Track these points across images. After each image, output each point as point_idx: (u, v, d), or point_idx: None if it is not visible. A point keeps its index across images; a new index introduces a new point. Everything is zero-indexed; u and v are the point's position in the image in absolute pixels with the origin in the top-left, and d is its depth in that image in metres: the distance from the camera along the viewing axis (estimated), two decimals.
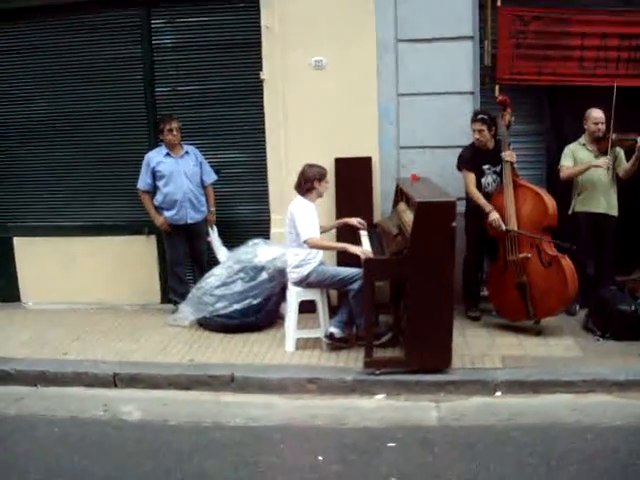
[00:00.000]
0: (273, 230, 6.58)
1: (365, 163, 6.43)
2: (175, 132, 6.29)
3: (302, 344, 5.58)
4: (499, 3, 6.12)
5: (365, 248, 5.36)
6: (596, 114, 5.90)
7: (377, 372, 4.92)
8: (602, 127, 5.89)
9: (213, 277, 6.14)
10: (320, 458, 3.96)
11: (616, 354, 5.18)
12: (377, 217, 6.43)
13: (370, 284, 4.95)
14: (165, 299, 6.87)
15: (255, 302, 6.00)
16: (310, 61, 6.38)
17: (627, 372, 4.81)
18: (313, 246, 5.42)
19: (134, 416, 4.62)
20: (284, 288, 6.00)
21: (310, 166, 5.59)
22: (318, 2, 6.28)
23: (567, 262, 5.48)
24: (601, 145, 5.91)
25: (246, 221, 6.85)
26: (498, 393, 4.79)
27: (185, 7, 6.60)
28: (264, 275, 6.06)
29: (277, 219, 6.54)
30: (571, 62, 6.14)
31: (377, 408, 4.67)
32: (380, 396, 4.83)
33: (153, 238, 6.87)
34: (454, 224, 4.74)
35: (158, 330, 6.12)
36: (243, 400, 4.87)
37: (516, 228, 5.59)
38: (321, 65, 6.39)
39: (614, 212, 6.01)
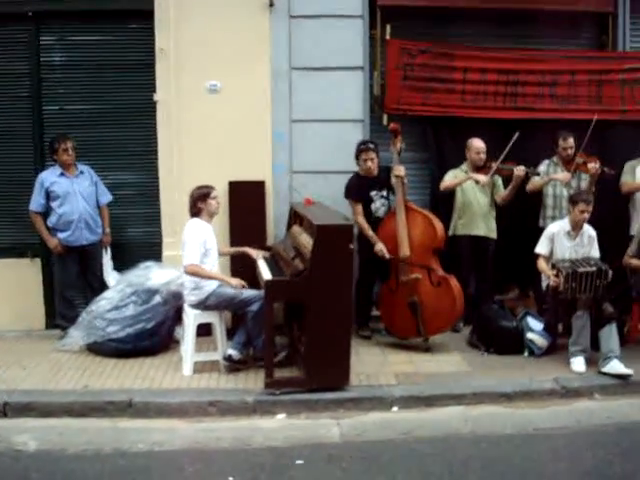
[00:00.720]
0: (165, 253, 6.50)
1: (258, 187, 6.53)
2: (70, 152, 6.13)
3: (199, 367, 5.54)
4: (388, 36, 6.45)
5: (240, 280, 5.50)
6: (478, 144, 6.33)
7: (277, 392, 4.99)
8: (483, 156, 6.32)
9: (104, 300, 5.98)
10: (231, 479, 3.97)
11: (501, 367, 5.55)
12: (270, 239, 6.54)
13: (271, 305, 5.04)
14: (51, 325, 6.58)
15: (148, 326, 5.88)
16: (205, 85, 6.42)
17: (512, 384, 5.16)
18: (191, 273, 5.43)
19: (30, 446, 4.40)
20: (178, 311, 5.96)
21: (196, 188, 5.64)
22: (214, 27, 6.34)
23: (454, 282, 5.83)
24: (481, 173, 6.32)
25: (137, 244, 6.74)
26: (395, 408, 4.98)
27: (76, 25, 6.48)
28: (157, 298, 5.97)
29: (169, 242, 6.49)
30: (454, 95, 6.56)
31: (280, 427, 4.72)
32: (281, 415, 4.89)
33: (37, 261, 6.60)
34: (352, 246, 4.93)
35: (47, 356, 5.86)
36: (142, 425, 4.75)
37: (408, 251, 5.87)
38: (216, 89, 6.45)
39: (493, 235, 6.45)
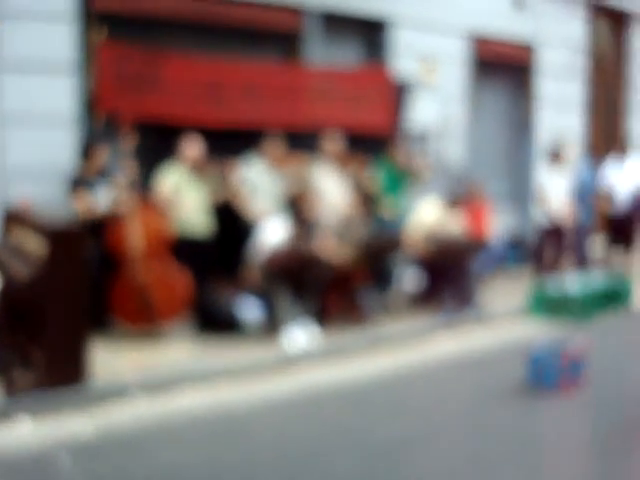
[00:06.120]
0: None
1: None
2: None
3: None
4: (101, 41, 6.63)
5: None
6: (190, 152, 6.76)
7: (19, 396, 4.94)
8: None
9: None
10: None
11: (226, 347, 6.14)
12: None
13: (7, 312, 4.99)
14: None
15: None
16: None
17: (242, 361, 5.83)
18: None
19: None
20: None
21: None
22: None
23: (183, 272, 6.34)
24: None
25: None
26: (139, 397, 5.25)
27: None
28: None
29: None
30: (163, 101, 6.95)
31: (30, 432, 4.69)
32: (27, 419, 4.84)
33: None
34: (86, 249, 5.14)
35: None
36: None
37: (140, 244, 6.16)
38: None
39: (208, 232, 6.95)
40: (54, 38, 6.44)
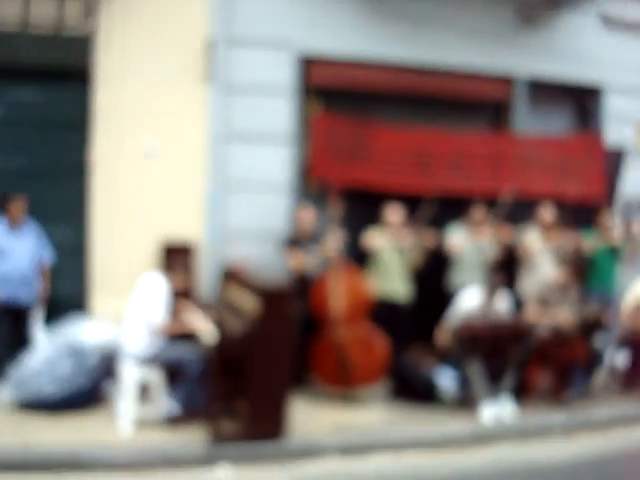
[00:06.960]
0: (97, 309, 6.61)
1: (191, 248, 6.81)
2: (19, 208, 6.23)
3: (139, 422, 5.65)
4: (316, 113, 7.08)
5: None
6: (392, 217, 6.96)
7: (223, 444, 5.23)
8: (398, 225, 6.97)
9: (37, 356, 5.98)
10: None
11: (420, 416, 6.11)
12: (201, 299, 6.78)
13: (217, 365, 5.35)
14: None
15: (82, 381, 5.93)
16: (141, 146, 6.70)
17: (434, 432, 5.74)
18: (160, 332, 5.63)
19: None
20: (109, 367, 6.08)
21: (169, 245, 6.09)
22: (153, 92, 6.68)
23: (381, 338, 6.40)
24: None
25: (63, 300, 6.71)
26: (333, 456, 5.35)
27: (12, 82, 6.58)
28: (94, 357, 6.03)
29: (101, 298, 6.62)
30: (373, 169, 7.21)
31: (229, 478, 4.97)
32: (229, 466, 5.11)
33: None
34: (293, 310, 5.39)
35: None
36: None
37: (341, 308, 6.37)
38: (151, 151, 6.73)
39: (408, 296, 7.03)
40: (275, 111, 7.00)
